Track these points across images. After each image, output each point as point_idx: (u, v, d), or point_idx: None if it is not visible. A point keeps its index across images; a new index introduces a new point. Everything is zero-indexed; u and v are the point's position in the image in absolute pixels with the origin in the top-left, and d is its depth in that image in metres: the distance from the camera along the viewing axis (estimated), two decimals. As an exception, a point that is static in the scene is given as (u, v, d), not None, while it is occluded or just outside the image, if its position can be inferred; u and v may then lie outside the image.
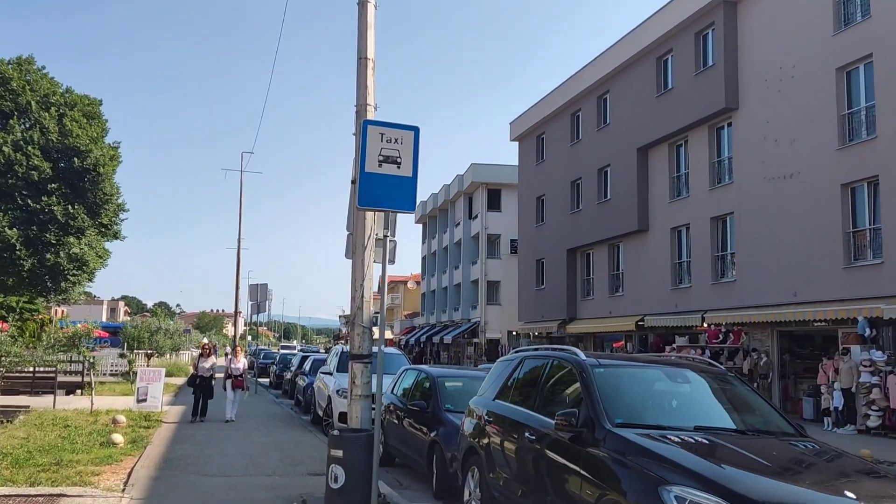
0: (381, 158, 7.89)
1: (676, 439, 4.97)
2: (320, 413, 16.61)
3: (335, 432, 7.75)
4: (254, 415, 18.21)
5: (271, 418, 17.82)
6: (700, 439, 5.00)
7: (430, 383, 10.70)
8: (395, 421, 11.20)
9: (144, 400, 18.23)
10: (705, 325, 25.78)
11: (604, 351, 33.69)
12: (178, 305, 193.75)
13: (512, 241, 48.08)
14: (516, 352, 8.00)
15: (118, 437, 12.53)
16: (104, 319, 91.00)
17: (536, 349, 7.62)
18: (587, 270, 35.13)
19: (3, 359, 10.14)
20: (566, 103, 36.30)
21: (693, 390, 6.00)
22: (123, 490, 8.90)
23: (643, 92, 29.63)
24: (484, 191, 49.72)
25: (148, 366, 32.07)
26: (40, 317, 45.38)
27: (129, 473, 10.07)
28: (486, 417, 7.33)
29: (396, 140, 7.96)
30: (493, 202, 50.06)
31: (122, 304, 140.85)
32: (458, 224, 54.78)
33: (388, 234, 8.05)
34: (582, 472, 5.18)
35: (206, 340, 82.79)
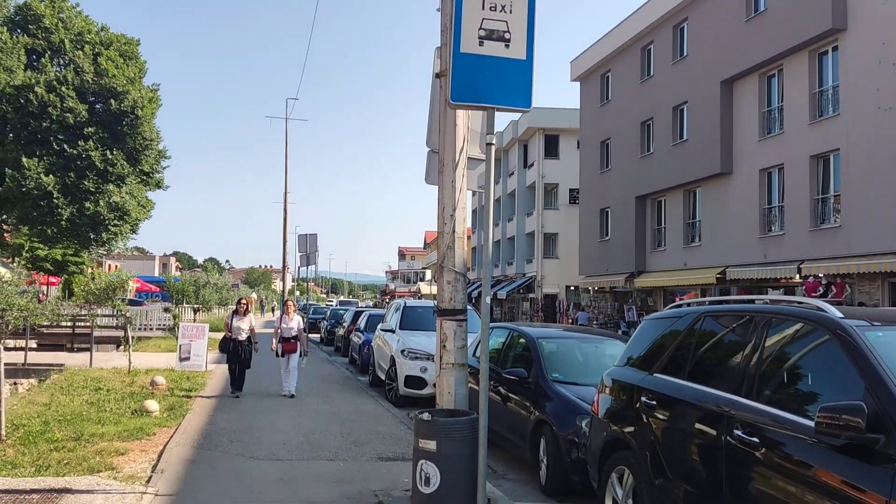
0: (482, 34, 5.60)
1: None
2: (381, 375, 14.65)
3: (425, 416, 5.63)
4: (307, 375, 16.32)
5: (326, 380, 15.93)
6: None
7: (528, 346, 8.51)
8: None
9: (187, 358, 16.55)
10: (798, 277, 23.08)
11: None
12: (227, 261, 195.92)
13: (571, 190, 45.39)
14: (677, 306, 5.72)
15: (153, 405, 10.70)
16: (156, 275, 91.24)
17: (723, 301, 5.33)
18: (658, 219, 32.41)
19: (6, 313, 8.23)
20: (636, 36, 33.19)
21: None
22: (148, 481, 6.96)
23: (729, 17, 26.47)
24: (541, 137, 46.87)
25: (194, 321, 30.76)
26: (91, 270, 44.59)
27: (159, 454, 8.17)
28: (644, 399, 5.10)
29: (503, 7, 5.64)
30: (551, 149, 47.21)
31: (173, 259, 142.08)
32: (513, 173, 52.14)
33: (492, 142, 5.77)
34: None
35: (253, 296, 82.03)
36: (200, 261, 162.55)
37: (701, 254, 28.60)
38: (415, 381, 12.47)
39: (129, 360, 15.25)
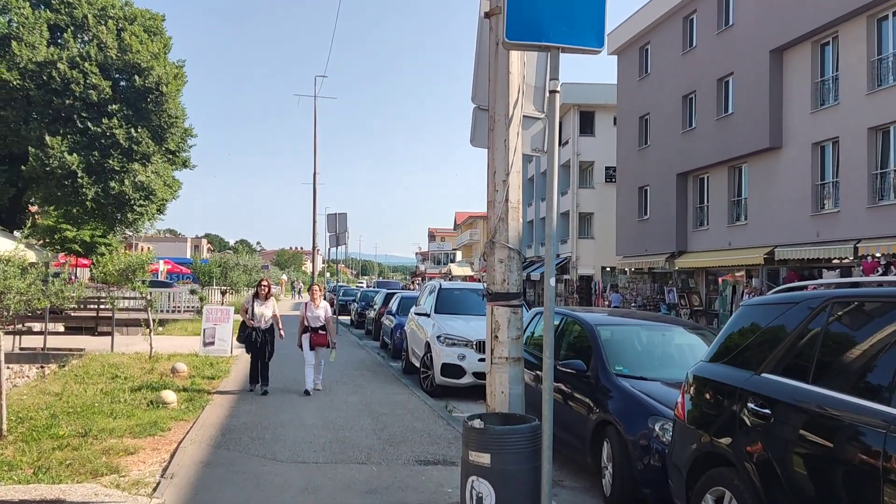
0: (543, -44, 4.57)
1: None
2: (415, 362, 13.76)
3: (476, 423, 4.67)
4: (336, 361, 15.50)
5: (356, 366, 15.09)
6: None
7: (585, 334, 7.50)
8: (533, 384, 8.13)
9: (212, 343, 15.83)
10: (854, 257, 21.69)
11: (716, 287, 29.93)
12: (258, 243, 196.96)
13: (607, 168, 43.99)
14: (788, 289, 4.68)
15: (170, 396, 9.90)
16: (188, 257, 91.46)
17: (858, 283, 4.28)
18: (701, 197, 31.02)
19: (3, 297, 7.44)
20: (677, 6, 31.62)
21: None
22: (156, 488, 6.12)
23: (780, -18, 24.90)
24: (575, 113, 45.43)
25: (223, 303, 30.15)
26: (122, 252, 44.11)
27: (172, 454, 7.34)
28: (752, 405, 4.08)
29: (570, -76, 4.59)
30: (586, 126, 45.75)
31: (204, 241, 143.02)
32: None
33: (557, 89, 4.76)
34: None
35: (284, 277, 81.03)
36: (232, 242, 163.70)
37: (747, 233, 27.23)
38: (452, 370, 11.55)
39: (151, 344, 14.53)
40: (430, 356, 12.11)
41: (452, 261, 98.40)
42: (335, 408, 10.05)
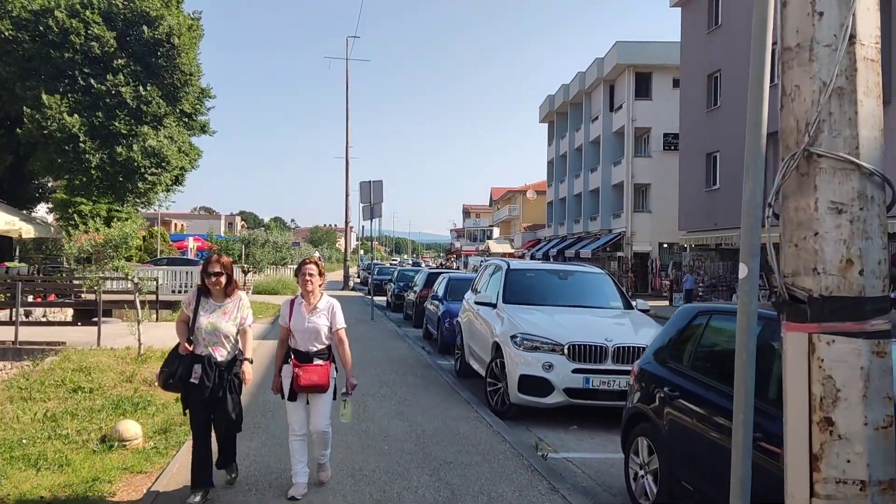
0: None
1: None
2: (475, 367, 10.54)
3: None
4: (372, 360, 12.39)
5: (397, 367, 11.89)
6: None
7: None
8: (689, 421, 4.85)
9: (218, 336, 12.76)
10: None
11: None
12: (292, 220, 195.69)
13: (666, 135, 40.24)
14: None
15: (131, 429, 6.76)
16: (221, 234, 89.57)
17: None
18: (784, 163, 27.20)
19: None
20: (758, -56, 27.62)
21: None
22: None
23: None
24: (631, 75, 41.53)
25: (244, 284, 27.31)
26: (137, 225, 41.15)
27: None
28: None
29: None
30: (642, 89, 41.83)
31: (238, 218, 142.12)
32: (596, 118, 46.95)
33: None
34: None
35: (316, 254, 79.16)
36: (266, 220, 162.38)
37: (844, 203, 23.46)
38: (535, 384, 8.28)
39: (139, 340, 11.49)
40: (502, 363, 8.85)
41: (489, 237, 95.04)
42: (371, 445, 6.85)
